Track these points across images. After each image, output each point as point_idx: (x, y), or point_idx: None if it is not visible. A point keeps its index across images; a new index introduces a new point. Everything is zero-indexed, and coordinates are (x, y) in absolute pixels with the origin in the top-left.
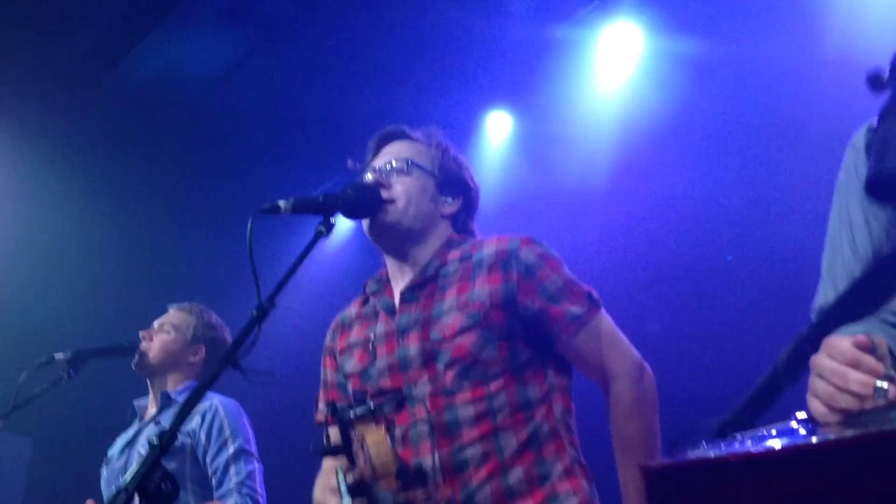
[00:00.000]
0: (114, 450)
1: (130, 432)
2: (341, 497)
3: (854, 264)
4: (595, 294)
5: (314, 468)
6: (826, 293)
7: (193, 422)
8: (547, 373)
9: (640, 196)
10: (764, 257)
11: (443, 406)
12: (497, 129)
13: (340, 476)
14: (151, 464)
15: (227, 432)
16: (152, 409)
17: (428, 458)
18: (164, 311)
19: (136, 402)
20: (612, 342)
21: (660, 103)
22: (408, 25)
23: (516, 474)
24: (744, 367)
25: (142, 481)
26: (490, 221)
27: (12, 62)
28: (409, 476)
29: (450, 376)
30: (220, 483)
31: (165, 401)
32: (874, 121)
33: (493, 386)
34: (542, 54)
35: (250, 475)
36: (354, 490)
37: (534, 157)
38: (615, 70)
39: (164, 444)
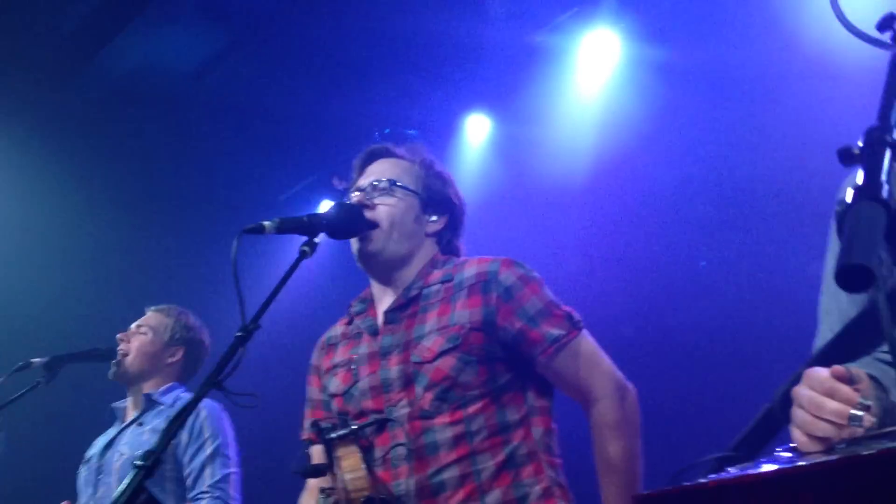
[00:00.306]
0: (93, 450)
1: (111, 433)
2: None
3: (849, 306)
4: (576, 315)
5: (296, 486)
6: (824, 335)
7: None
8: (527, 395)
9: (616, 200)
10: (738, 261)
11: (420, 429)
12: (476, 132)
13: (322, 498)
14: (136, 487)
15: (206, 433)
16: (133, 412)
17: (405, 481)
18: (142, 313)
19: (114, 405)
20: (593, 363)
21: (637, 109)
22: (388, 27)
23: (494, 496)
24: (715, 369)
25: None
26: (467, 223)
27: None
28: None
29: (428, 399)
30: (194, 484)
31: (148, 402)
32: (849, 189)
33: (471, 409)
34: (522, 59)
35: (224, 478)
36: None
37: (512, 160)
38: (593, 76)
39: (149, 465)
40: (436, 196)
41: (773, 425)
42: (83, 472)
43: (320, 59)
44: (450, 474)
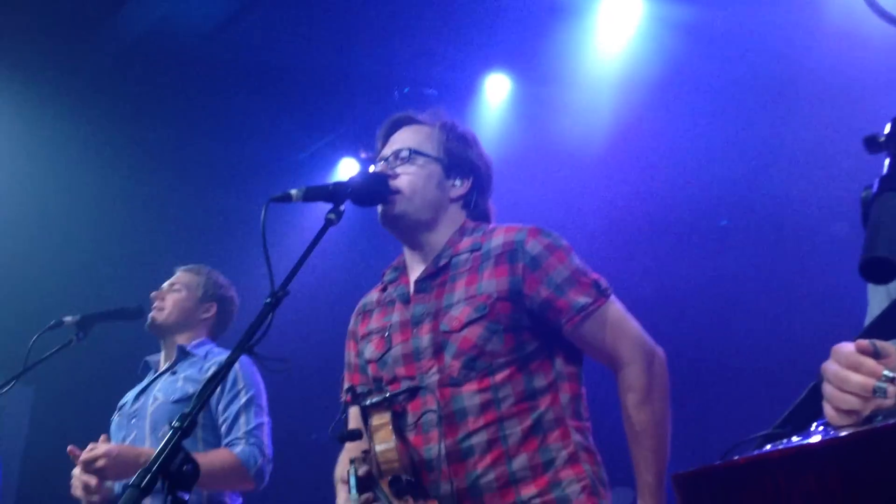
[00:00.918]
0: (126, 399)
1: (144, 382)
2: (350, 489)
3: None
4: (603, 283)
5: (329, 450)
6: (871, 312)
7: (210, 371)
8: (554, 362)
9: (636, 160)
10: (759, 220)
11: (450, 396)
12: (496, 92)
13: (352, 468)
14: (174, 446)
15: (240, 384)
16: (165, 363)
17: (436, 446)
18: (170, 272)
19: (147, 359)
20: (621, 329)
21: (658, 68)
22: None
23: (520, 461)
24: (740, 328)
25: (164, 463)
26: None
27: (4, 15)
28: (402, 485)
29: (456, 367)
30: (230, 430)
31: (181, 353)
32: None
33: (499, 377)
34: (542, 18)
35: (259, 427)
36: (363, 483)
37: (532, 120)
38: (614, 35)
39: (186, 427)
40: (458, 160)
41: (819, 402)
42: (115, 419)
43: (340, 17)
44: (478, 439)
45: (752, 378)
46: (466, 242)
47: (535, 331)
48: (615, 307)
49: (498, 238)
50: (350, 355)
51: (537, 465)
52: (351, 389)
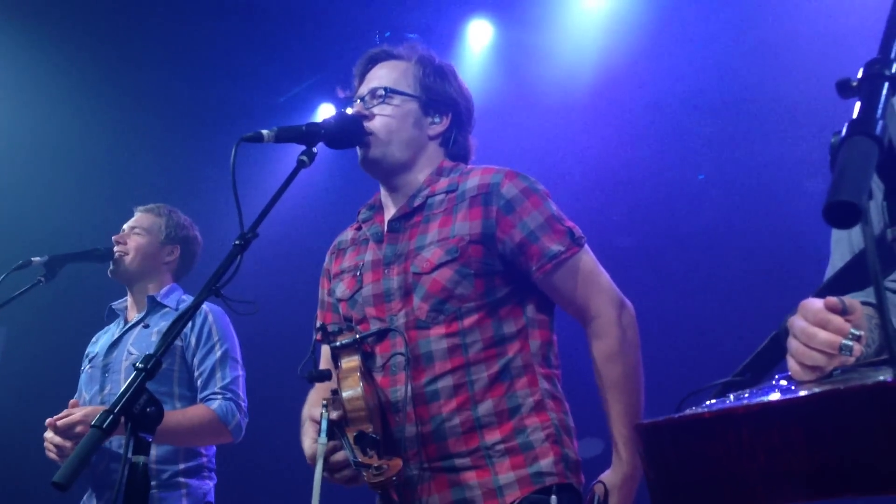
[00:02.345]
0: (95, 348)
1: (115, 332)
2: (319, 433)
3: (859, 236)
4: (577, 231)
5: (298, 389)
6: (834, 265)
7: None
8: (525, 308)
9: (619, 109)
10: (738, 175)
11: (417, 339)
12: (478, 37)
13: (324, 411)
14: (137, 388)
15: (215, 337)
16: (134, 313)
17: (402, 388)
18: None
19: (113, 305)
20: (591, 280)
21: (641, 16)
22: None
23: (486, 407)
24: (712, 283)
25: (127, 404)
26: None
27: None
28: (367, 440)
29: (425, 310)
30: (206, 385)
31: (152, 304)
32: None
33: (467, 321)
34: None
35: (234, 380)
36: (332, 428)
37: (514, 67)
38: None
39: (150, 368)
40: (436, 96)
41: (779, 352)
42: (87, 370)
43: None
44: (444, 383)
45: (727, 330)
46: (443, 183)
47: (506, 276)
48: (588, 257)
49: (474, 179)
50: (323, 293)
51: (503, 410)
52: (322, 328)
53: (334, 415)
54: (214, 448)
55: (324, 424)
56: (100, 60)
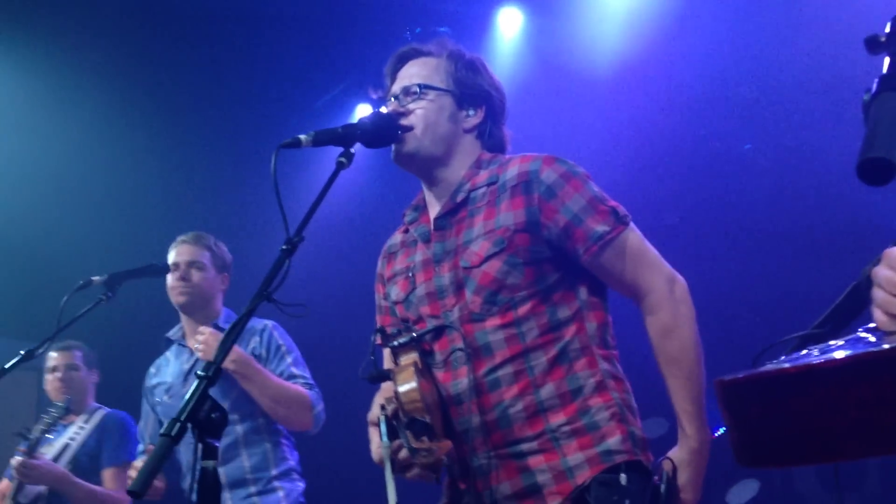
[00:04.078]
0: (161, 378)
1: (185, 360)
2: (381, 435)
3: None
4: (621, 210)
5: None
6: None
7: (253, 341)
8: (578, 292)
9: (651, 89)
10: (784, 143)
11: (473, 332)
12: (509, 25)
13: (382, 414)
14: (200, 395)
15: (283, 347)
16: (193, 341)
17: (464, 380)
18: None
19: (169, 336)
20: (640, 258)
21: None
22: None
23: (548, 390)
24: (762, 255)
25: (192, 412)
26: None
27: None
28: (418, 426)
29: (478, 302)
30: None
31: (217, 331)
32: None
33: (521, 310)
34: None
35: (310, 378)
36: (393, 428)
37: (545, 54)
38: None
39: (212, 375)
40: (469, 89)
41: (859, 302)
42: (165, 400)
43: None
44: (504, 372)
45: (775, 304)
46: (483, 176)
47: (555, 262)
48: (634, 235)
49: (513, 169)
50: (379, 298)
51: (565, 392)
52: (381, 331)
53: (389, 409)
54: (297, 454)
55: (383, 427)
56: (146, 74)
